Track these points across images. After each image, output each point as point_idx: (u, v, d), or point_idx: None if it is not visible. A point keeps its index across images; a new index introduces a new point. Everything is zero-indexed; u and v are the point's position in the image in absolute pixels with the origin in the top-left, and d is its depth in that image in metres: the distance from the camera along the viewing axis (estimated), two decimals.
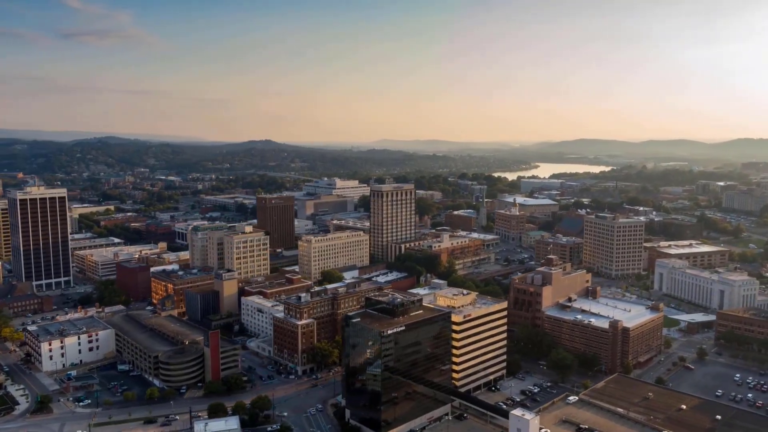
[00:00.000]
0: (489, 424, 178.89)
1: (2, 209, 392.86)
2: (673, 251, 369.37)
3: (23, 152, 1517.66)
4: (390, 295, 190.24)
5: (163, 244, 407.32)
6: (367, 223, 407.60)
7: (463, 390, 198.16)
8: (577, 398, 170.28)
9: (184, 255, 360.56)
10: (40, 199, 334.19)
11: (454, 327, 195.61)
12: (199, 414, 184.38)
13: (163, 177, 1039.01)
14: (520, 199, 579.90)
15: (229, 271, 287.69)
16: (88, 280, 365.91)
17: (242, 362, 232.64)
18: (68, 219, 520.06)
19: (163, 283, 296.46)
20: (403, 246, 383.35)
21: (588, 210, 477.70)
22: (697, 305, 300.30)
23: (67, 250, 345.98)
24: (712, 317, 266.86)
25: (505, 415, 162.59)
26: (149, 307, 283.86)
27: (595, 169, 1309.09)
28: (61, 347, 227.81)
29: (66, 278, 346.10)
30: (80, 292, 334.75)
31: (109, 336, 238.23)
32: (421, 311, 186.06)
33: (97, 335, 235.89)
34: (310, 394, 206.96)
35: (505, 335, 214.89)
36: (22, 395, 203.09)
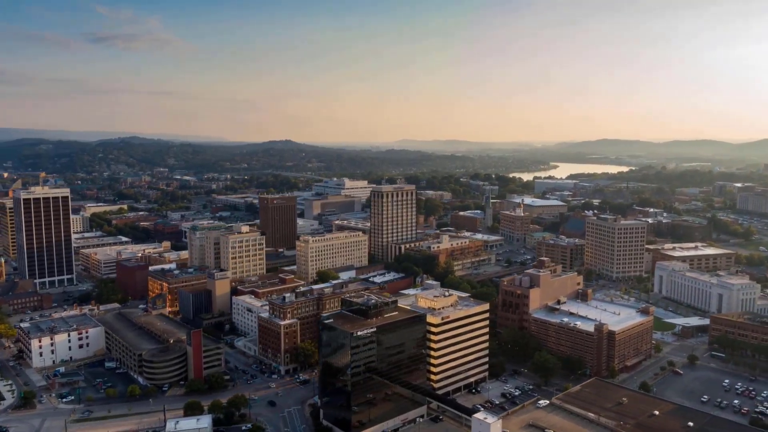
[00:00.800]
0: (464, 426, 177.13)
1: (10, 208, 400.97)
2: (677, 253, 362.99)
3: (48, 152, 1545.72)
4: (365, 297, 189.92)
5: (166, 243, 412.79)
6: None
7: (442, 392, 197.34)
8: (547, 402, 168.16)
9: (185, 254, 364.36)
10: (44, 198, 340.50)
11: (432, 329, 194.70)
12: (178, 411, 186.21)
13: (179, 177, 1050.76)
14: (528, 200, 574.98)
15: (221, 270, 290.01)
16: (91, 278, 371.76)
17: (229, 361, 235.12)
18: (80, 217, 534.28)
19: (159, 281, 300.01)
20: (402, 246, 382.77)
21: (594, 211, 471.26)
22: (696, 309, 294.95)
23: (70, 248, 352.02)
24: (707, 321, 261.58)
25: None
26: (142, 306, 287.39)
27: (615, 170, 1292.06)
28: (51, 344, 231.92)
29: (69, 276, 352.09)
30: (82, 289, 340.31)
31: (99, 333, 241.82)
32: (396, 313, 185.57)
33: (87, 332, 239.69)
34: (291, 394, 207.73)
35: (486, 337, 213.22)
36: (8, 391, 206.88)
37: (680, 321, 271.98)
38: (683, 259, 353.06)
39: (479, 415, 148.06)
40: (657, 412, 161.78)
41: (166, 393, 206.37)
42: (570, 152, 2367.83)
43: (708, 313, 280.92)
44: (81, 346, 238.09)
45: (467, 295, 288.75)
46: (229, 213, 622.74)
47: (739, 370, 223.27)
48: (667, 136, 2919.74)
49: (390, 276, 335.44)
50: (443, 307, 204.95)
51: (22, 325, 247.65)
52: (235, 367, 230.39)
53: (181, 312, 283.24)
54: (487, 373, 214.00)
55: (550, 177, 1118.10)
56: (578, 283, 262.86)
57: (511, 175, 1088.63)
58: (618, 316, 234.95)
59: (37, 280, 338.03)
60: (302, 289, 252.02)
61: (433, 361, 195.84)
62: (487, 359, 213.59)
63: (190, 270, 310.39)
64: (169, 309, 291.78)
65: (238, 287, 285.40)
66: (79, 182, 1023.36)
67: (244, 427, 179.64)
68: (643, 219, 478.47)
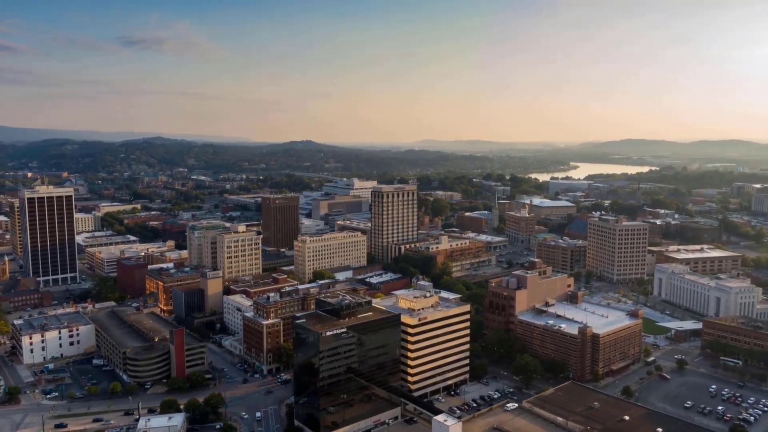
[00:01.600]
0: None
1: (18, 207, 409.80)
2: (681, 256, 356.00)
3: (72, 152, 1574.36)
4: (340, 297, 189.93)
5: (170, 243, 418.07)
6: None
7: (419, 394, 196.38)
8: (516, 405, 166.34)
9: (186, 254, 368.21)
10: (47, 198, 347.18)
11: (409, 330, 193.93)
12: (156, 409, 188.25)
13: (195, 177, 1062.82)
14: (536, 201, 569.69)
15: (214, 269, 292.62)
16: (96, 276, 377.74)
17: (215, 360, 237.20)
18: (92, 217, 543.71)
19: (155, 280, 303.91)
20: (402, 247, 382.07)
21: (602, 212, 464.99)
22: (694, 312, 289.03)
23: (73, 247, 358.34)
24: (701, 325, 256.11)
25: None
26: (135, 304, 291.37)
27: (636, 170, 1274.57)
28: (42, 341, 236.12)
29: (72, 274, 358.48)
30: (84, 287, 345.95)
31: (89, 331, 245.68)
32: (370, 313, 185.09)
33: (78, 330, 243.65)
34: (270, 394, 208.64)
35: (467, 339, 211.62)
36: None
37: (674, 325, 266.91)
38: (687, 261, 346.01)
39: (439, 418, 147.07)
40: (627, 417, 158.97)
41: (148, 391, 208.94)
42: (593, 152, 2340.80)
43: (706, 317, 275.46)
44: (72, 344, 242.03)
45: (457, 296, 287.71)
46: (239, 213, 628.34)
47: (728, 375, 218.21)
48: (693, 136, 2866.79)
49: (387, 277, 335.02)
50: (422, 308, 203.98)
51: (15, 322, 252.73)
52: (215, 366, 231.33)
53: (175, 311, 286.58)
54: (467, 375, 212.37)
55: (567, 177, 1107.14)
56: (569, 285, 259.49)
57: (528, 176, 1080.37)
58: (606, 319, 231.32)
59: (41, 278, 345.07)
60: (287, 289, 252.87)
61: (409, 362, 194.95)
62: (467, 361, 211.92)
63: (186, 269, 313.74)
64: (165, 307, 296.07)
65: (231, 287, 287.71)
66: (100, 182, 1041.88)
67: (218, 426, 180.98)
68: (652, 220, 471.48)
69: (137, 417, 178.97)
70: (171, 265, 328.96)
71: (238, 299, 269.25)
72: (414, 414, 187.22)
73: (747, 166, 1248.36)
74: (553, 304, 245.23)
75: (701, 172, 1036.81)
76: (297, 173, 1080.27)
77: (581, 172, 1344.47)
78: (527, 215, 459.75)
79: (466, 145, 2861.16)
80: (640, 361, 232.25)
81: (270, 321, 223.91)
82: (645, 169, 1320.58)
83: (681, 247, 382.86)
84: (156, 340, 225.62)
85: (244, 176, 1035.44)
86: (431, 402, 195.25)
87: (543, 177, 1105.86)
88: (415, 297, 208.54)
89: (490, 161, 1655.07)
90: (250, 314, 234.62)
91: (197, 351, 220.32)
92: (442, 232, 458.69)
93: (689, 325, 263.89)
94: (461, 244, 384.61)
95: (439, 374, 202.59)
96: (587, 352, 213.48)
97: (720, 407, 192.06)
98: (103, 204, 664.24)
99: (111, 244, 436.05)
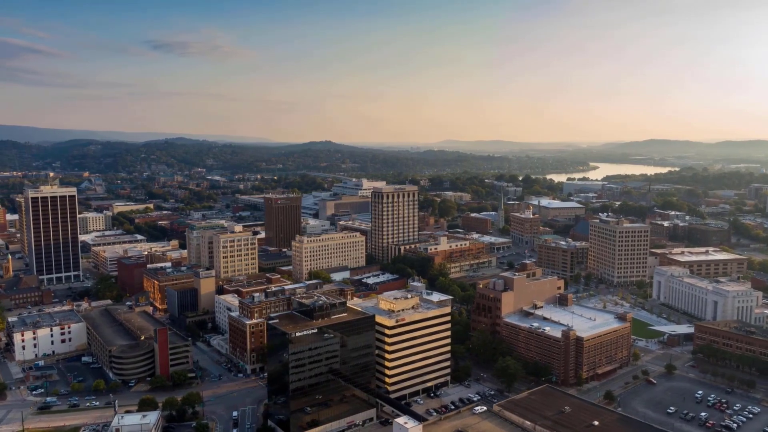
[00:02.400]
0: None
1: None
2: (684, 258, 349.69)
3: (95, 152, 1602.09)
4: (315, 297, 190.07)
5: (175, 242, 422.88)
6: None
7: (397, 395, 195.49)
8: (485, 409, 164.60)
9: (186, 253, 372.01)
10: (51, 197, 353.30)
11: (386, 331, 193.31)
12: (134, 408, 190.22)
13: (210, 177, 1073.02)
14: (544, 202, 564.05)
15: (208, 269, 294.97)
16: (100, 275, 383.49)
17: (202, 359, 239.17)
18: (103, 216, 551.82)
19: (152, 279, 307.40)
20: (402, 248, 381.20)
21: (609, 214, 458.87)
22: (692, 316, 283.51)
23: (76, 246, 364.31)
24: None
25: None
26: (129, 303, 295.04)
27: (656, 171, 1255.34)
28: (34, 338, 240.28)
29: (75, 273, 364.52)
30: (86, 286, 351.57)
31: (81, 329, 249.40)
32: (345, 314, 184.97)
33: (69, 328, 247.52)
34: (251, 393, 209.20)
35: (448, 340, 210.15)
36: None
37: (667, 328, 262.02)
38: (690, 264, 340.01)
39: (400, 420, 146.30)
40: (596, 423, 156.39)
41: (132, 388, 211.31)
42: (615, 153, 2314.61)
43: (703, 321, 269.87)
44: (63, 341, 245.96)
45: (448, 297, 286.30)
46: (249, 213, 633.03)
47: (716, 381, 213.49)
48: (718, 136, 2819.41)
49: (384, 277, 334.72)
50: (402, 310, 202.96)
51: (9, 319, 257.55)
52: (201, 365, 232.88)
53: (169, 309, 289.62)
54: (449, 377, 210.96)
55: (584, 178, 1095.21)
56: (559, 288, 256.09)
57: (544, 177, 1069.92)
58: (593, 322, 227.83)
59: (44, 276, 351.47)
60: (273, 289, 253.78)
61: (387, 363, 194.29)
62: (448, 363, 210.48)
63: (183, 268, 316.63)
64: (160, 306, 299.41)
65: (225, 286, 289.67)
66: (119, 182, 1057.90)
67: (193, 424, 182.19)
68: (659, 222, 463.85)
69: (114, 414, 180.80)
70: (169, 264, 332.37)
71: (229, 299, 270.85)
72: (390, 416, 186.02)
73: None
74: (542, 307, 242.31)
75: (721, 173, 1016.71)
76: (312, 173, 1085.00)
77: (600, 173, 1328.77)
78: (531, 216, 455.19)
79: (488, 146, 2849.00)
80: (628, 365, 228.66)
81: (254, 321, 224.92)
82: (665, 170, 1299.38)
83: (686, 249, 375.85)
84: (142, 338, 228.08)
85: (258, 176, 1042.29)
86: (409, 404, 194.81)
87: (560, 178, 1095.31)
88: (395, 298, 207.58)
89: (509, 162, 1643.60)
90: (235, 314, 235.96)
91: (182, 350, 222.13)
92: (447, 232, 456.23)
93: (683, 329, 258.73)
94: (461, 245, 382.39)
95: (418, 376, 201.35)
96: (571, 356, 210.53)
97: (703, 413, 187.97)
98: (116, 203, 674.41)
99: (118, 243, 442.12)
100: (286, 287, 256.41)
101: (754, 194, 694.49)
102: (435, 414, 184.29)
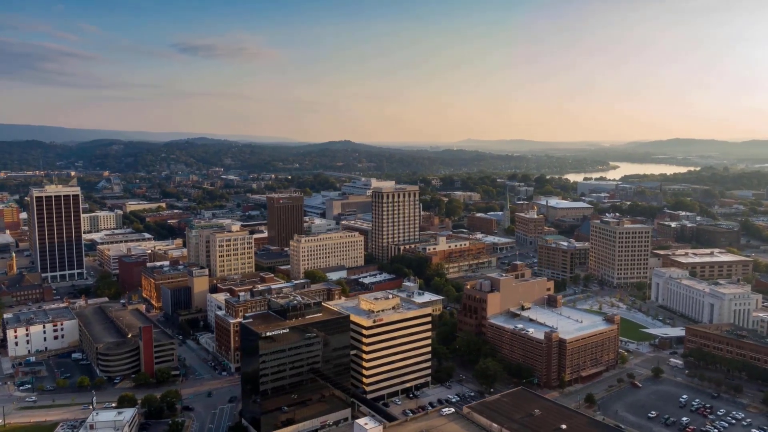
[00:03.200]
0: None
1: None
2: (687, 260, 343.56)
3: (117, 152, 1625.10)
4: (291, 297, 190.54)
5: (179, 241, 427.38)
6: None
7: (374, 396, 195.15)
8: (452, 410, 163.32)
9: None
10: (55, 196, 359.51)
11: (363, 331, 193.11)
12: (113, 404, 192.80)
13: (225, 177, 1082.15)
14: (552, 202, 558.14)
15: (202, 268, 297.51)
16: (104, 272, 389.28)
17: (190, 357, 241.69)
18: (113, 215, 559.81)
19: (149, 278, 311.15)
20: (401, 248, 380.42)
21: (615, 214, 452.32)
22: (689, 319, 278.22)
23: (80, 244, 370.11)
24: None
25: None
26: (122, 301, 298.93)
27: (676, 170, 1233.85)
28: (27, 335, 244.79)
29: (79, 270, 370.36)
30: (89, 284, 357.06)
31: (73, 326, 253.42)
32: (320, 314, 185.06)
33: (62, 325, 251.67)
34: (233, 391, 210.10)
35: (428, 341, 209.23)
36: None
37: (659, 331, 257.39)
38: (693, 265, 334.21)
39: (360, 421, 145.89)
40: (564, 427, 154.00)
41: (117, 385, 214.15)
42: (637, 152, 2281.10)
43: (700, 324, 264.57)
44: (56, 338, 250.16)
45: (439, 298, 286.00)
46: (258, 212, 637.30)
47: (705, 385, 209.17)
48: (744, 135, 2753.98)
49: (380, 277, 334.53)
50: (382, 310, 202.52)
51: (5, 315, 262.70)
52: (187, 363, 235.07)
53: (164, 307, 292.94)
54: (429, 378, 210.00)
55: (601, 178, 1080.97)
56: (548, 289, 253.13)
57: (563, 177, 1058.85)
58: (579, 324, 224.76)
59: (48, 274, 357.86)
60: (260, 288, 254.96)
61: (364, 363, 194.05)
62: (429, 363, 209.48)
63: (180, 267, 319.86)
64: (156, 304, 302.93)
65: (218, 285, 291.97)
66: (138, 181, 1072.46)
67: (170, 422, 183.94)
68: (667, 222, 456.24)
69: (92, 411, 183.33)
70: (167, 263, 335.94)
71: (220, 297, 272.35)
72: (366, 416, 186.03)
73: None
74: (529, 308, 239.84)
75: (742, 173, 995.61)
76: (326, 173, 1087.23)
77: (619, 172, 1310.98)
78: (536, 216, 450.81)
79: (509, 145, 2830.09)
80: (615, 368, 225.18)
81: (237, 320, 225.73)
82: (684, 169, 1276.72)
83: (690, 250, 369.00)
84: (129, 335, 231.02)
85: (273, 176, 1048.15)
86: (387, 404, 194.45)
87: (578, 177, 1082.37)
88: (375, 298, 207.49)
89: (527, 161, 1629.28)
90: (221, 312, 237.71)
91: (167, 347, 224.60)
92: (450, 233, 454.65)
93: (675, 332, 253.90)
94: (460, 245, 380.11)
95: (397, 377, 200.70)
96: (553, 358, 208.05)
97: (684, 418, 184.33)
98: (130, 202, 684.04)
99: (126, 241, 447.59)
100: (274, 287, 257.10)
101: None
102: (411, 414, 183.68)
